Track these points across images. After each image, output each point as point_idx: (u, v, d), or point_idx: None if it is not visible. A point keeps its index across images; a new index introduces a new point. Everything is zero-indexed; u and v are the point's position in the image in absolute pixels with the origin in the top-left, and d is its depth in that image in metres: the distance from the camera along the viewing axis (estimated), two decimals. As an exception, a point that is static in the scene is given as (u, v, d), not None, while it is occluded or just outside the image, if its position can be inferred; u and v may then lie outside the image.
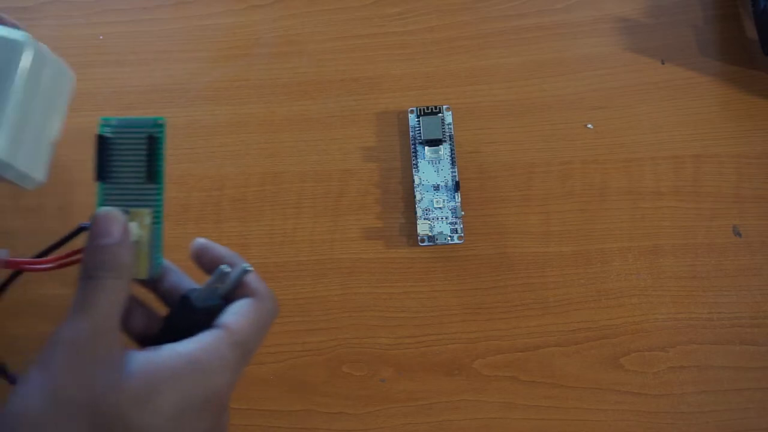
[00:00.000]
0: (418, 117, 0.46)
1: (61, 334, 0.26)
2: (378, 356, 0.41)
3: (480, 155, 0.46)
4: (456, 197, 0.44)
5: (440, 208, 0.44)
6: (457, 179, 0.44)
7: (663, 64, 0.48)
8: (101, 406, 0.25)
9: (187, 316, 0.30)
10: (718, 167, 0.45)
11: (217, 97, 0.47)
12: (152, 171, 0.30)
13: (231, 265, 0.30)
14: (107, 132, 0.30)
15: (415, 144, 0.46)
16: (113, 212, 0.29)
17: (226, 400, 0.28)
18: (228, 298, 0.30)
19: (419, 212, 0.44)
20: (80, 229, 0.30)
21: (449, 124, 0.46)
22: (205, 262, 0.31)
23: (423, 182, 0.45)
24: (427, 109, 0.46)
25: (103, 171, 0.30)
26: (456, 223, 0.44)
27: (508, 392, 0.40)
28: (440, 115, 0.46)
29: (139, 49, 0.49)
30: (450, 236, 0.43)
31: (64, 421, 0.25)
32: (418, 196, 0.44)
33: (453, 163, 0.45)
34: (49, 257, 0.30)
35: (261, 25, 0.50)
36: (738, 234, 0.43)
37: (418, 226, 0.43)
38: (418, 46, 0.49)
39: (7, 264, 0.30)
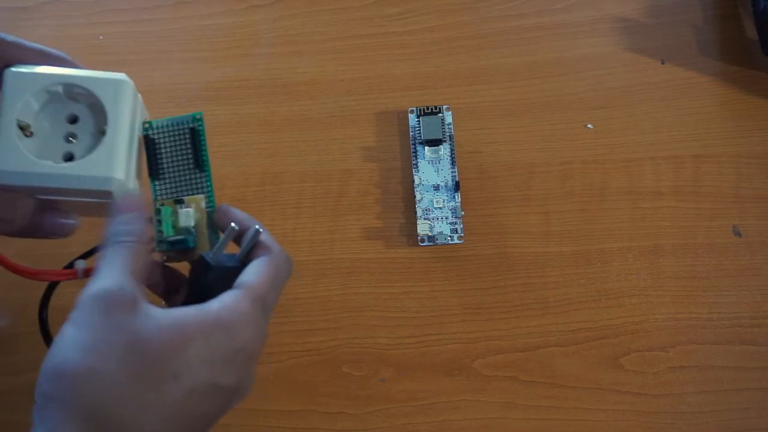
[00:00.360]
0: (418, 117, 0.46)
1: (87, 292, 0.28)
2: (378, 356, 0.41)
3: (480, 155, 0.46)
4: (456, 197, 0.44)
5: (440, 208, 0.44)
6: (457, 179, 0.44)
7: (663, 64, 0.48)
8: (133, 353, 0.27)
9: (205, 276, 0.31)
10: (717, 167, 0.45)
11: (217, 97, 0.47)
12: (199, 160, 0.34)
13: (245, 227, 0.32)
14: (151, 133, 0.34)
15: (415, 144, 0.46)
16: (130, 194, 0.32)
17: (253, 353, 0.30)
18: (245, 262, 0.32)
19: (419, 212, 0.44)
20: None
21: (449, 124, 0.46)
22: (224, 225, 0.33)
23: (423, 182, 0.45)
24: (427, 109, 0.46)
25: (154, 168, 0.34)
26: (456, 223, 0.44)
27: (508, 392, 0.40)
28: (440, 115, 0.46)
29: (139, 49, 0.49)
30: (450, 236, 0.43)
31: (99, 367, 0.26)
32: (418, 196, 0.44)
33: (453, 163, 0.45)
34: None
35: (261, 25, 0.50)
36: (738, 234, 0.43)
37: (418, 226, 0.43)
38: (418, 46, 0.49)
39: (85, 273, 0.33)
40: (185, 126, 0.34)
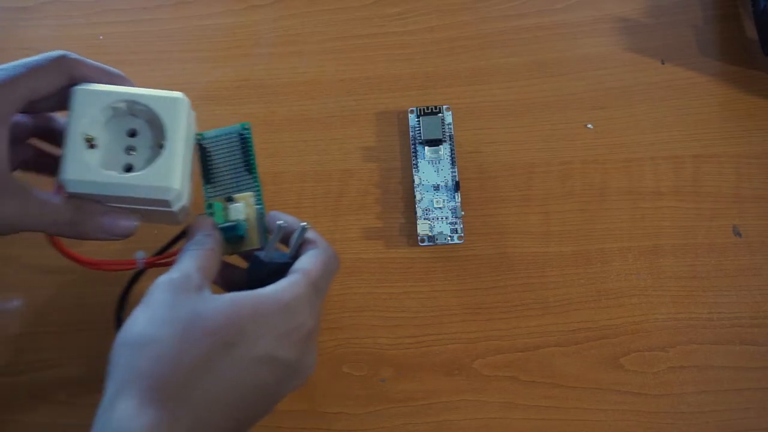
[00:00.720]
0: (418, 117, 0.46)
1: (158, 280, 0.32)
2: (378, 356, 0.41)
3: (480, 155, 0.46)
4: (456, 197, 0.44)
5: (440, 208, 0.44)
6: (457, 179, 0.44)
7: (663, 64, 0.48)
8: (192, 325, 0.30)
9: (259, 272, 0.35)
10: (717, 167, 0.45)
11: (217, 97, 0.47)
12: (248, 164, 0.38)
13: (293, 227, 0.36)
14: (204, 143, 0.38)
15: (415, 144, 0.46)
16: (202, 216, 0.37)
17: (310, 331, 0.33)
18: (295, 257, 0.35)
19: (419, 212, 0.44)
20: None
21: (449, 124, 0.46)
22: (274, 228, 0.37)
23: (423, 182, 0.45)
24: (427, 109, 0.46)
25: (207, 174, 0.38)
26: (456, 223, 0.44)
27: (508, 392, 0.40)
28: (440, 115, 0.46)
29: (139, 49, 0.49)
30: (450, 236, 0.43)
31: (159, 336, 0.30)
32: (418, 196, 0.44)
33: (453, 163, 0.45)
34: (171, 252, 0.37)
35: (261, 25, 0.50)
36: (738, 234, 0.43)
37: (418, 226, 0.44)
38: (418, 46, 0.49)
39: (146, 264, 0.36)
40: (235, 135, 0.38)
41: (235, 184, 0.38)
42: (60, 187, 0.35)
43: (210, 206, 0.37)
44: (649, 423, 0.40)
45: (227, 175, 0.38)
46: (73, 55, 0.36)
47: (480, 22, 0.49)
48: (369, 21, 0.50)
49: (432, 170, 0.45)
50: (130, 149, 0.36)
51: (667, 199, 0.44)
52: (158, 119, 0.36)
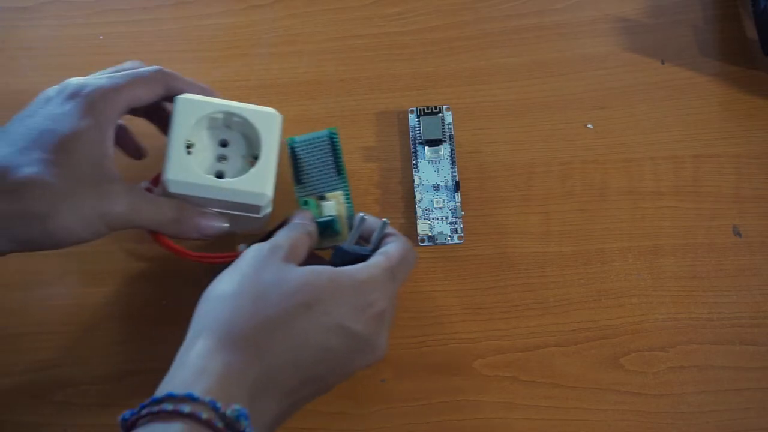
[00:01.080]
0: (418, 117, 0.46)
1: (249, 248, 0.36)
2: (378, 356, 0.41)
3: (480, 155, 0.46)
4: (456, 197, 0.44)
5: (440, 208, 0.44)
6: (457, 179, 0.44)
7: (663, 64, 0.48)
8: (272, 286, 0.33)
9: (341, 261, 0.37)
10: (717, 167, 0.45)
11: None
12: (338, 165, 0.41)
13: (374, 224, 0.39)
14: (295, 148, 0.41)
15: (415, 144, 0.46)
16: (302, 209, 0.40)
17: (382, 312, 0.35)
18: (374, 250, 0.38)
19: (419, 212, 0.44)
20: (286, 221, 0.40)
21: (449, 124, 0.46)
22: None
23: (423, 182, 0.45)
24: (427, 109, 0.46)
25: (298, 175, 0.41)
26: (456, 223, 0.44)
27: (508, 392, 0.40)
28: (440, 115, 0.46)
29: (139, 49, 0.49)
30: (450, 236, 0.43)
31: (239, 292, 0.33)
32: (418, 196, 0.44)
33: (453, 163, 0.45)
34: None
35: (261, 25, 0.50)
36: (738, 234, 0.43)
37: (418, 226, 0.43)
38: (418, 46, 0.49)
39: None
40: (325, 139, 0.41)
41: (324, 184, 0.41)
42: (157, 182, 0.39)
43: (306, 203, 0.40)
44: (649, 423, 0.40)
45: (317, 175, 0.41)
46: (168, 70, 0.39)
47: (480, 22, 0.49)
48: (369, 21, 0.50)
49: (432, 170, 0.45)
50: (221, 158, 0.40)
51: (667, 199, 0.44)
52: (254, 131, 0.39)
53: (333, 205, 0.40)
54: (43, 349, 0.42)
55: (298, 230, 0.38)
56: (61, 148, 0.34)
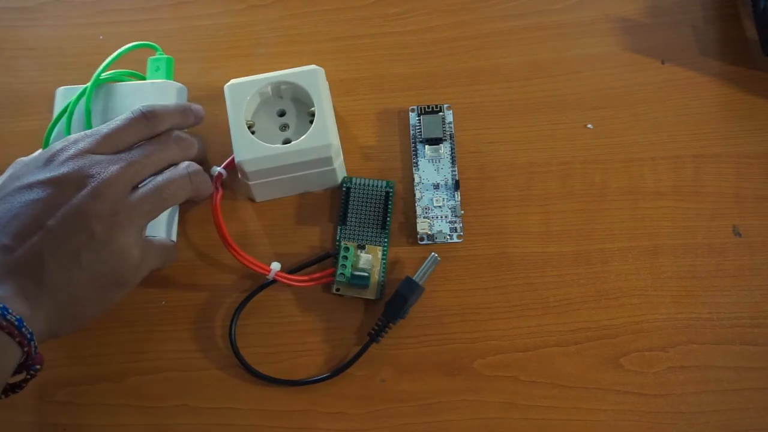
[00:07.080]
0: (418, 115, 0.46)
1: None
2: (378, 356, 0.41)
3: (480, 155, 0.46)
4: (456, 196, 0.44)
5: (440, 206, 0.44)
6: (457, 178, 0.44)
7: (663, 64, 0.48)
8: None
9: (410, 291, 0.40)
10: (718, 167, 0.45)
11: (217, 97, 0.47)
12: (385, 219, 0.43)
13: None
14: (349, 187, 0.43)
15: (415, 142, 0.46)
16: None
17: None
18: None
19: (419, 210, 0.44)
20: (326, 256, 0.42)
21: (450, 122, 0.46)
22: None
23: (423, 181, 0.45)
24: (428, 107, 0.46)
25: (343, 215, 0.43)
26: (455, 222, 0.44)
27: (508, 392, 0.40)
28: (441, 113, 0.46)
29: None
30: (449, 235, 0.43)
31: None
32: (417, 195, 0.44)
33: (453, 162, 0.45)
34: (301, 276, 0.42)
35: (261, 25, 0.50)
36: (738, 234, 0.43)
37: (417, 225, 0.43)
38: (418, 46, 0.49)
39: (277, 276, 0.41)
40: (381, 189, 0.43)
41: (366, 233, 0.42)
42: (230, 165, 0.42)
43: (347, 249, 0.42)
44: (649, 423, 0.40)
45: (362, 222, 0.43)
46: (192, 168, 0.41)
47: (480, 22, 0.49)
48: (369, 21, 0.50)
49: (432, 169, 0.45)
50: (284, 127, 0.43)
51: (667, 199, 0.44)
52: (303, 92, 0.42)
53: (370, 260, 0.42)
54: (43, 349, 0.42)
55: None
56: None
